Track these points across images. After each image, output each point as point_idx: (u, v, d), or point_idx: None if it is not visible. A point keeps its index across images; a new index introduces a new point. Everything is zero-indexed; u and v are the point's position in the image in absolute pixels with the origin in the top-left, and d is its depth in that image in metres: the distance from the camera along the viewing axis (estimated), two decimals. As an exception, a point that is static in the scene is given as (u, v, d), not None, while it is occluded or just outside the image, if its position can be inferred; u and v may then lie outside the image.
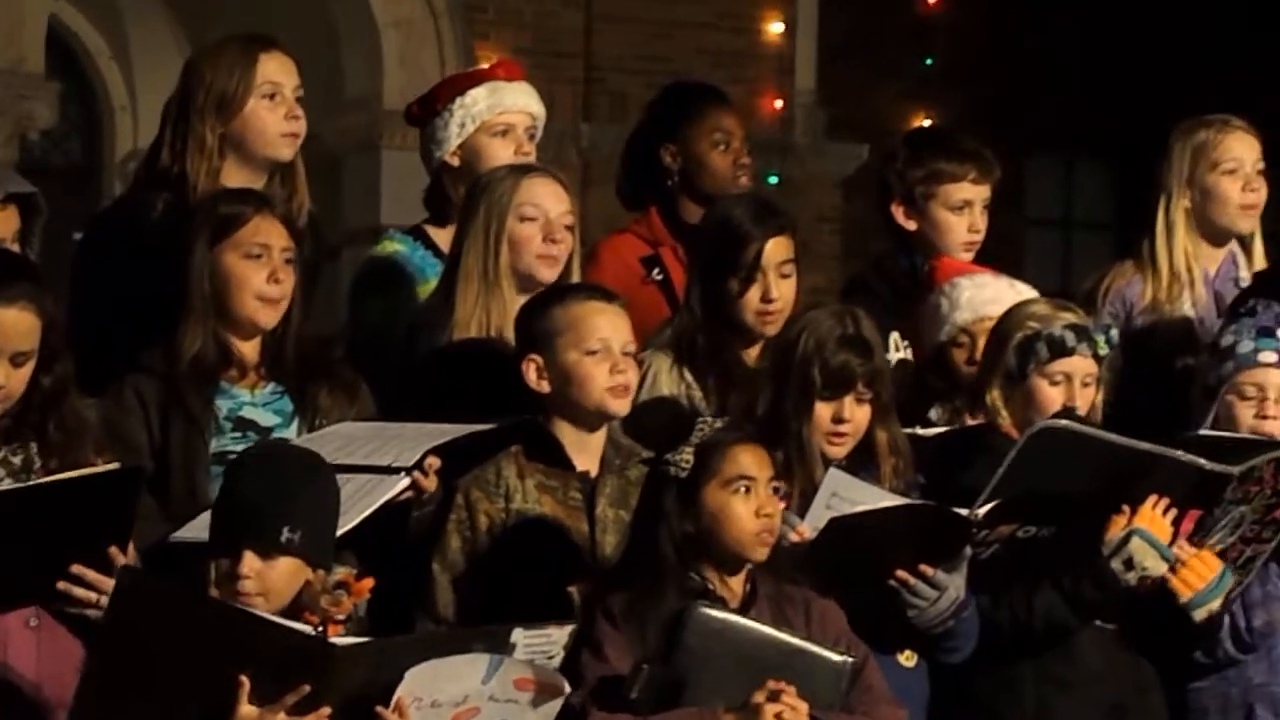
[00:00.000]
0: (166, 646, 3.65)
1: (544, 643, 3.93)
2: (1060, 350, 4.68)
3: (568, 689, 3.84)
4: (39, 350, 3.98)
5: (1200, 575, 4.55)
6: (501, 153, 5.24)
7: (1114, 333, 4.87)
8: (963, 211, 5.43)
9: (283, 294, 4.43)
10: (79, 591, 3.87)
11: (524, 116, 5.35)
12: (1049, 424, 4.49)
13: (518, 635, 3.86)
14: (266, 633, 3.66)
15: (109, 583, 3.84)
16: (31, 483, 3.92)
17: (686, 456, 4.08)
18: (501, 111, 5.31)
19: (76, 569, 3.86)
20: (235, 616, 3.70)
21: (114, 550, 3.88)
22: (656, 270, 5.65)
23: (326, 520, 3.91)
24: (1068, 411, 4.60)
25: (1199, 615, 4.57)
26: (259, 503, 3.81)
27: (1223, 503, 4.58)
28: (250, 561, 3.78)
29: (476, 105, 5.30)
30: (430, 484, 4.30)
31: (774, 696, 3.90)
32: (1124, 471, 4.50)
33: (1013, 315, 4.79)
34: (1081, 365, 4.69)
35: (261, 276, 4.41)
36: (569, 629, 3.95)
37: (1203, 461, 4.52)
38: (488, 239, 4.75)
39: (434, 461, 4.28)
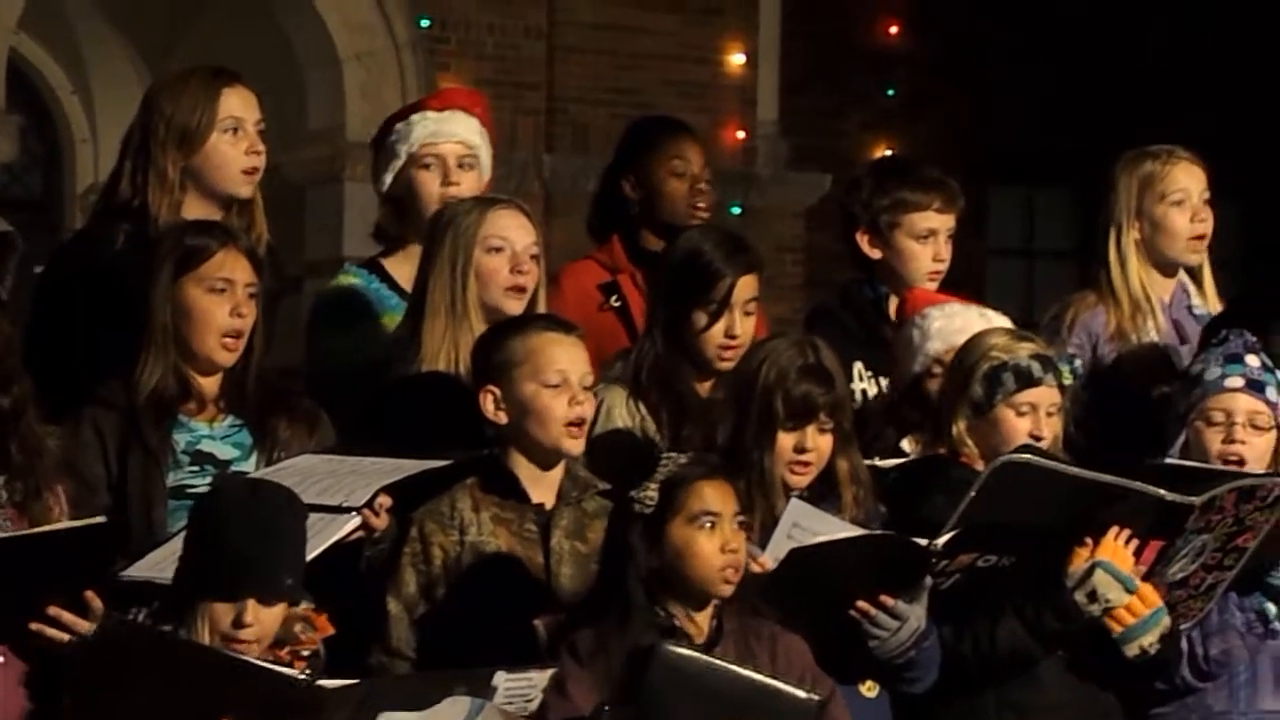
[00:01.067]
0: (149, 691, 3.65)
1: (525, 686, 3.93)
2: (1027, 381, 4.69)
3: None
4: None
5: (1135, 611, 4.55)
6: (429, 184, 5.21)
7: (1078, 363, 4.88)
8: (928, 240, 5.45)
9: (244, 329, 4.42)
10: (51, 632, 3.86)
11: (454, 146, 5.29)
12: (1012, 458, 4.50)
13: (499, 679, 3.86)
14: (254, 677, 3.67)
15: (83, 624, 3.84)
16: (8, 534, 3.90)
17: (651, 493, 4.09)
18: (426, 143, 5.27)
19: (54, 611, 3.85)
20: (222, 661, 3.70)
21: (90, 595, 3.87)
22: (615, 297, 5.66)
23: (304, 558, 3.92)
24: (1029, 445, 4.60)
25: (1130, 650, 4.57)
26: (260, 552, 3.81)
27: (1184, 532, 4.58)
28: (255, 610, 3.78)
29: (402, 141, 5.29)
30: (381, 523, 4.28)
31: None
32: (1086, 503, 4.50)
33: (975, 346, 4.79)
34: (1047, 395, 4.70)
35: (225, 311, 4.40)
36: (549, 672, 3.95)
37: (1163, 493, 4.52)
38: (454, 272, 4.74)
39: (385, 500, 4.27)
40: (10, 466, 3.94)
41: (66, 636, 3.86)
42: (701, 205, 5.81)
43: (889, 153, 12.14)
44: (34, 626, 3.84)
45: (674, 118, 6.44)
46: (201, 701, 3.63)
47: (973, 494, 4.40)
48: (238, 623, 3.78)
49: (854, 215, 5.53)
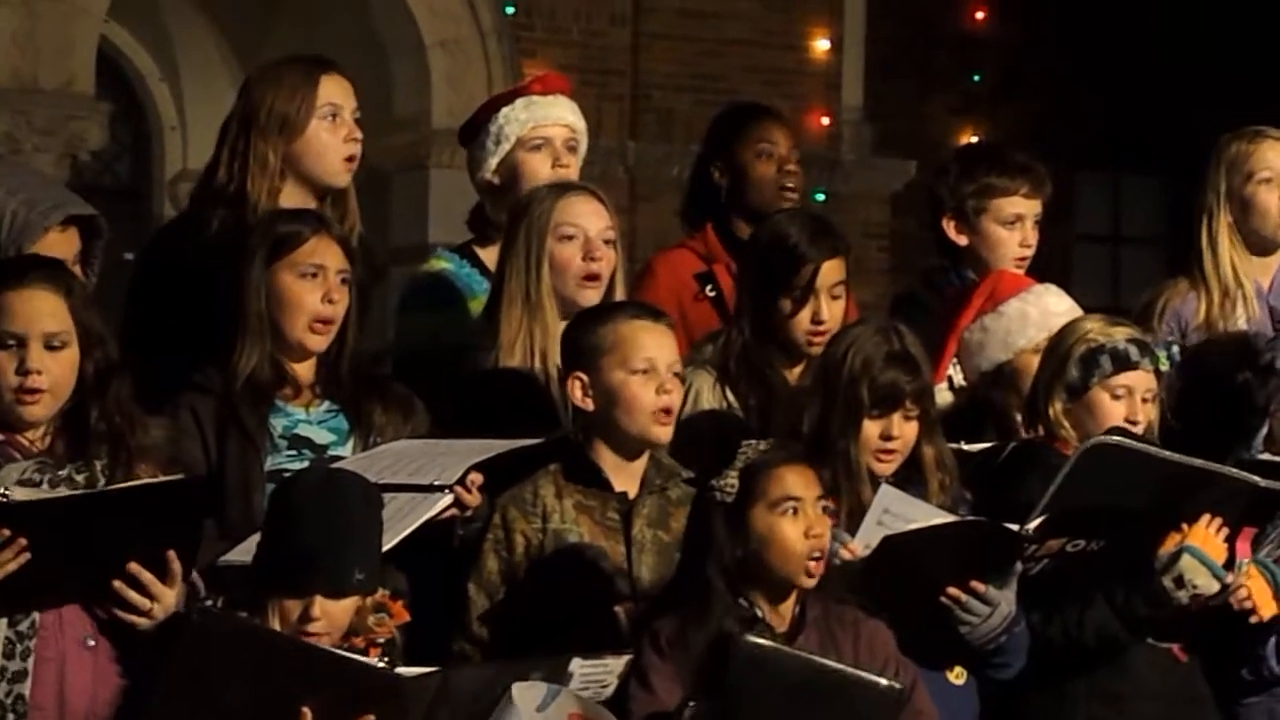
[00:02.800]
0: (233, 681, 3.67)
1: (600, 672, 3.93)
2: (1124, 364, 4.67)
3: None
4: (78, 337, 3.95)
5: (1262, 590, 4.53)
6: (540, 167, 5.23)
7: (1175, 349, 4.86)
8: (1014, 226, 5.42)
9: (336, 315, 4.43)
10: (133, 595, 3.85)
11: (561, 129, 5.33)
12: (1101, 440, 4.48)
13: (575, 665, 3.87)
14: (335, 666, 3.69)
15: (166, 592, 3.84)
16: (97, 490, 3.90)
17: (732, 480, 4.06)
18: (535, 126, 5.30)
19: (133, 568, 3.84)
20: (304, 651, 3.71)
21: (171, 555, 3.87)
22: (710, 287, 5.65)
23: (380, 547, 3.93)
24: (1120, 428, 4.58)
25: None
26: (329, 547, 3.81)
27: (1276, 518, 4.56)
28: (322, 605, 3.80)
29: (511, 122, 5.30)
30: (474, 499, 4.29)
31: None
32: (1176, 488, 4.48)
33: (1072, 330, 4.79)
34: (1143, 380, 4.69)
35: (316, 296, 4.41)
36: (625, 659, 3.95)
37: (1255, 478, 4.50)
38: (528, 261, 4.75)
39: (477, 478, 4.27)
40: (95, 436, 3.94)
41: (148, 603, 3.85)
42: (791, 186, 5.81)
43: (975, 139, 12.09)
44: (116, 585, 3.83)
45: (760, 103, 6.43)
46: (284, 690, 3.65)
47: (1063, 476, 4.39)
48: (305, 617, 3.79)
49: (941, 201, 5.51)
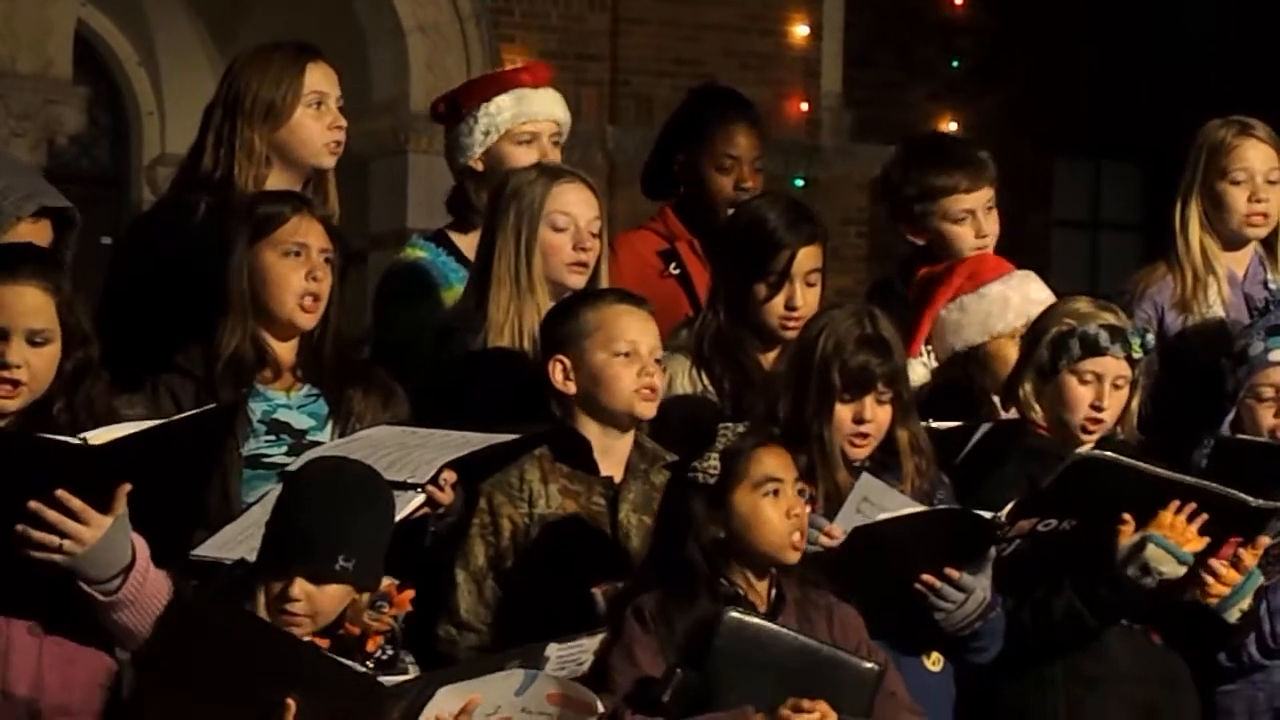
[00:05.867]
0: (219, 662, 3.68)
1: (576, 651, 3.94)
2: (1092, 349, 4.67)
3: (600, 708, 3.85)
4: (61, 335, 3.94)
5: (1226, 580, 4.53)
6: (525, 160, 5.23)
7: (1150, 336, 4.85)
8: (965, 221, 5.39)
9: (320, 292, 4.43)
10: (37, 534, 3.76)
11: (549, 124, 5.35)
12: (1090, 455, 4.49)
13: (551, 649, 3.89)
14: (320, 664, 3.70)
15: (79, 529, 3.75)
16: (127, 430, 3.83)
17: (713, 463, 4.07)
18: (526, 120, 5.31)
19: (34, 506, 3.76)
20: (289, 644, 3.72)
21: (122, 490, 3.77)
22: (674, 265, 5.65)
23: (380, 542, 3.92)
24: (1110, 440, 4.58)
25: (1232, 616, 4.55)
26: (315, 530, 3.81)
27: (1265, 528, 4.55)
28: (301, 586, 3.80)
29: (502, 113, 5.31)
30: (446, 497, 4.29)
31: (799, 709, 3.89)
32: (1163, 498, 4.48)
33: (1053, 311, 4.79)
34: (1113, 366, 4.68)
35: (300, 275, 4.42)
36: (599, 636, 3.96)
37: (1246, 498, 4.48)
38: (519, 245, 4.75)
39: (449, 476, 4.27)
40: (53, 426, 3.91)
41: (55, 539, 3.76)
42: (746, 198, 5.75)
43: (953, 126, 12.09)
44: (18, 527, 3.74)
45: (735, 93, 6.37)
46: (269, 679, 3.66)
47: (1048, 485, 4.40)
48: (284, 596, 3.80)
49: (892, 207, 5.49)
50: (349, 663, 3.76)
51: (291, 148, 4.86)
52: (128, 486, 3.80)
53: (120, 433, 3.82)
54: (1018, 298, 5.07)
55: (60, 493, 3.77)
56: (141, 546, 3.88)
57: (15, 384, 3.90)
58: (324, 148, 4.88)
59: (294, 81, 4.85)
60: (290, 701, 3.62)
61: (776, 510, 4.05)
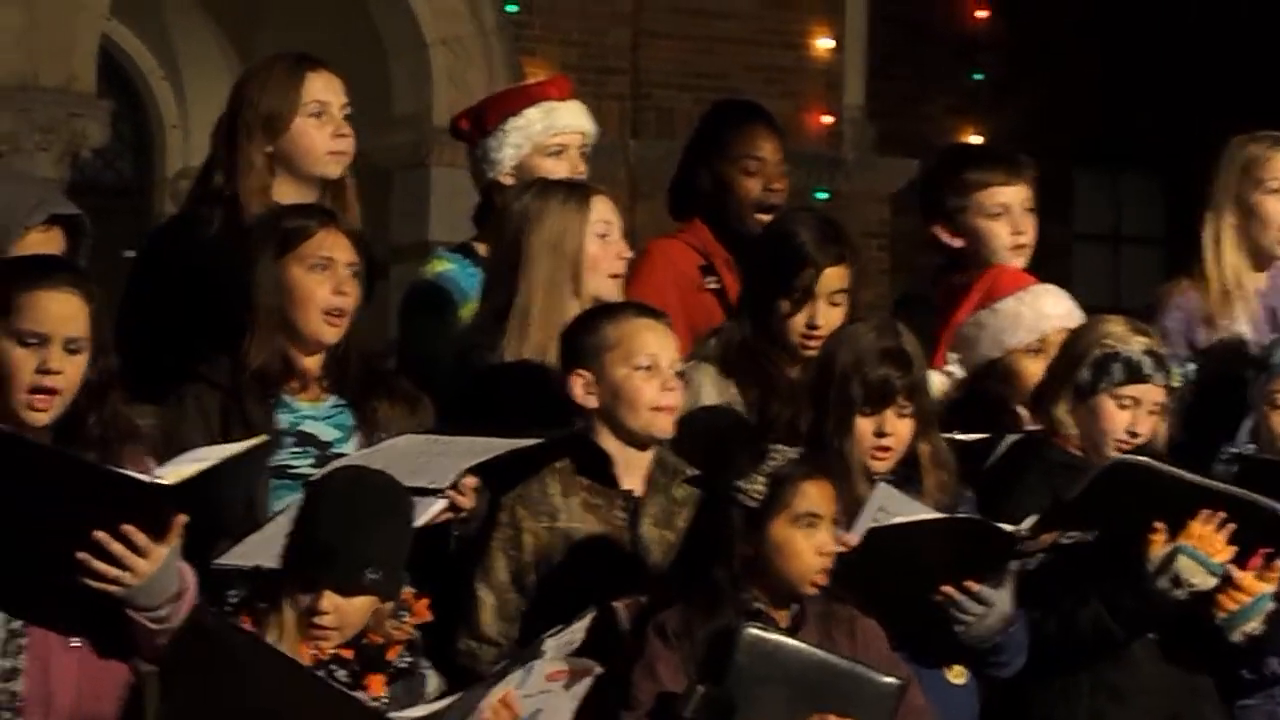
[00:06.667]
0: (229, 686, 3.70)
1: (569, 636, 3.95)
2: (1135, 375, 4.67)
3: (598, 669, 3.86)
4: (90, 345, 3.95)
5: (1238, 598, 4.52)
6: (556, 172, 5.25)
7: (1190, 367, 4.85)
8: (1001, 217, 5.38)
9: (347, 306, 4.44)
10: (98, 564, 3.79)
11: (577, 136, 5.37)
12: (1128, 459, 4.48)
13: (548, 644, 3.89)
14: (330, 698, 3.72)
15: (138, 561, 3.79)
16: (81, 457, 3.87)
17: (759, 486, 4.06)
18: (555, 132, 5.33)
19: (101, 536, 3.78)
20: (302, 677, 3.74)
21: (177, 520, 3.82)
22: (713, 278, 5.65)
23: (403, 552, 3.93)
24: (1146, 447, 4.58)
25: (1235, 636, 4.55)
26: (341, 543, 3.83)
27: None
28: (330, 599, 3.82)
29: (532, 126, 5.32)
30: (467, 502, 4.30)
31: None
32: (1193, 506, 4.47)
33: (1089, 331, 4.78)
34: (1152, 393, 4.68)
35: (327, 289, 4.42)
36: (589, 617, 3.96)
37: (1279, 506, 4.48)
38: (558, 257, 4.73)
39: (471, 481, 4.28)
40: (87, 440, 3.95)
41: (113, 570, 3.80)
42: (774, 203, 5.76)
43: (976, 137, 12.09)
44: (80, 556, 3.79)
45: (753, 103, 6.38)
46: (283, 710, 3.68)
47: (1080, 491, 4.39)
48: (313, 610, 3.81)
49: (928, 209, 5.49)
50: (359, 696, 3.79)
51: (294, 158, 4.87)
52: (184, 518, 3.83)
53: (189, 471, 3.85)
54: (1030, 314, 5.07)
55: (127, 528, 3.80)
56: (189, 574, 3.92)
57: (53, 392, 3.91)
58: (327, 157, 4.89)
59: (293, 91, 4.86)
60: None
61: (809, 544, 4.06)
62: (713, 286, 5.63)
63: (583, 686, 3.86)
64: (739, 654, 3.92)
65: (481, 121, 5.40)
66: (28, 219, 4.36)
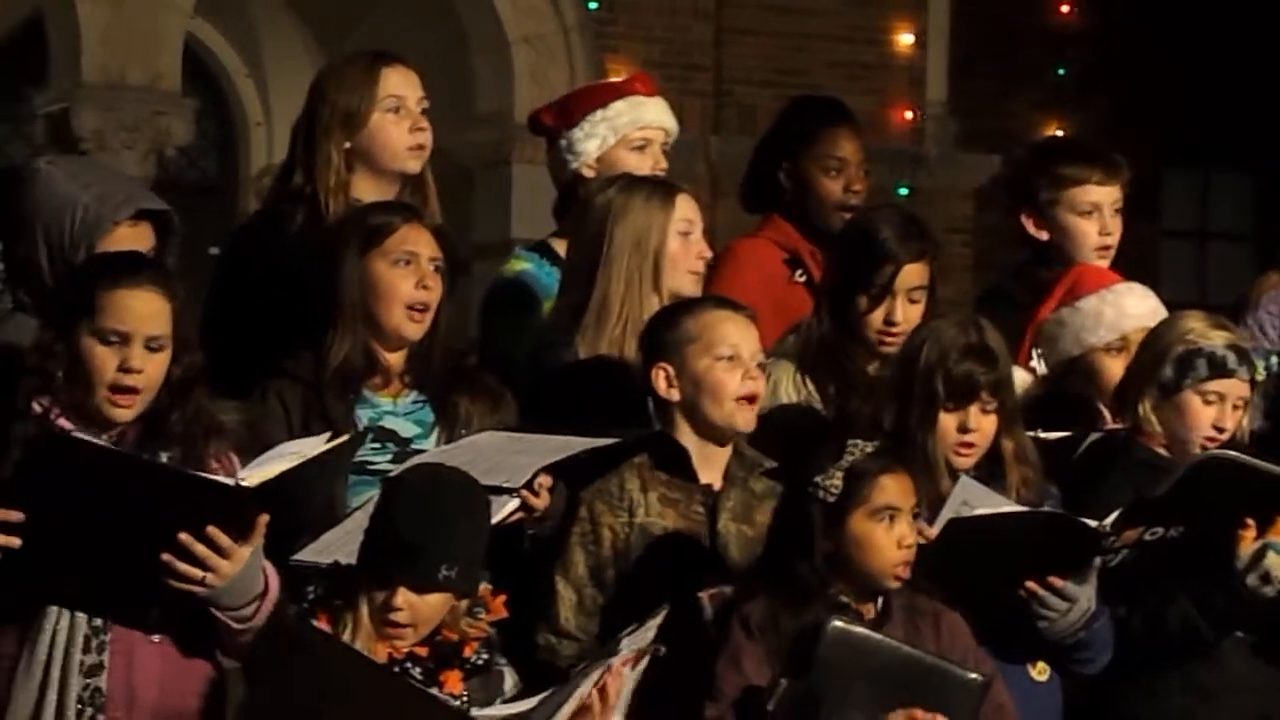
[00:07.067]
0: (313, 692, 3.72)
1: (644, 633, 3.95)
2: (1220, 370, 4.64)
3: (661, 649, 3.87)
4: (173, 343, 3.97)
5: None
6: (639, 167, 5.26)
7: (1275, 360, 4.81)
8: (1092, 215, 5.36)
9: (431, 301, 4.45)
10: (182, 565, 3.81)
11: (660, 132, 5.39)
12: (1219, 454, 4.45)
13: (624, 642, 3.90)
14: (412, 697, 3.73)
15: (221, 563, 3.82)
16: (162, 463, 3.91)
17: (836, 481, 4.06)
18: (642, 126, 5.35)
19: (185, 539, 3.81)
20: (383, 677, 3.75)
21: (260, 520, 3.84)
22: (800, 272, 5.63)
23: (479, 549, 3.93)
24: (1232, 442, 4.55)
25: None
26: (418, 540, 3.83)
27: None
28: (405, 596, 3.82)
29: (620, 118, 5.33)
30: (541, 502, 4.29)
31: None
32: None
33: (1171, 328, 4.75)
34: (1236, 388, 4.65)
35: (410, 284, 4.43)
36: (662, 614, 3.96)
37: None
38: (641, 254, 4.74)
39: (545, 480, 4.28)
40: (170, 436, 3.96)
41: (198, 573, 3.83)
42: (854, 204, 5.74)
43: (1059, 133, 12.02)
44: (165, 557, 3.82)
45: (834, 101, 6.35)
46: (363, 709, 3.69)
47: (1170, 486, 4.36)
48: (388, 606, 3.82)
49: (1017, 196, 5.47)
50: (441, 696, 3.80)
51: (373, 153, 4.88)
52: (266, 518, 3.85)
53: (271, 472, 3.87)
54: (1112, 312, 5.03)
55: (211, 530, 3.82)
56: (272, 573, 3.94)
57: (134, 391, 3.93)
58: (406, 152, 4.90)
59: (369, 87, 4.87)
60: None
61: (889, 538, 4.06)
62: (801, 279, 5.61)
63: (641, 665, 3.87)
64: (824, 648, 3.92)
65: (567, 113, 5.41)
66: (116, 213, 4.38)
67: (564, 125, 5.39)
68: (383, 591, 3.83)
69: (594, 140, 5.32)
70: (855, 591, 4.08)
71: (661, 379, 4.43)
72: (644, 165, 5.28)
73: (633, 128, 5.33)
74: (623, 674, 3.81)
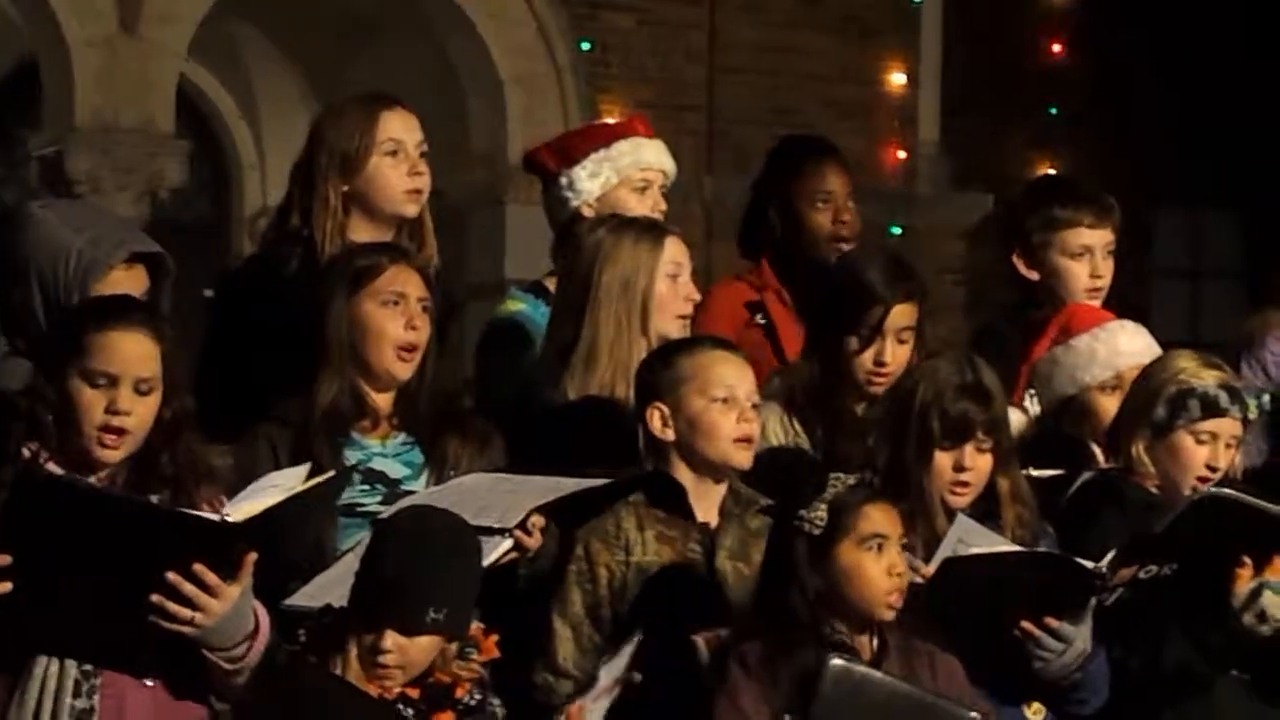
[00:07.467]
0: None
1: (620, 660, 3.94)
2: (1212, 410, 4.65)
3: (636, 677, 3.90)
4: (162, 385, 3.97)
5: None
6: (638, 208, 5.27)
7: (1265, 399, 4.81)
8: (1082, 258, 5.37)
9: (419, 341, 4.45)
10: (171, 605, 3.81)
11: (660, 174, 5.40)
12: (1217, 493, 4.45)
13: (603, 671, 3.92)
14: None
15: (210, 602, 3.81)
16: (147, 501, 3.90)
17: (821, 514, 4.07)
18: (644, 167, 5.36)
19: (173, 578, 3.80)
20: (377, 711, 3.75)
21: (248, 559, 3.83)
22: (760, 315, 5.65)
23: (469, 591, 3.93)
24: (1224, 480, 4.55)
25: None
26: (405, 582, 3.82)
27: None
28: (393, 638, 3.82)
29: (623, 159, 5.34)
30: (534, 542, 4.29)
31: None
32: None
33: (1162, 367, 4.75)
34: (1229, 427, 4.66)
35: (399, 324, 4.44)
36: (635, 641, 3.97)
37: None
38: (628, 295, 4.75)
39: (538, 520, 4.28)
40: (160, 479, 3.97)
41: (187, 613, 3.82)
42: (845, 235, 5.76)
43: (1050, 172, 12.05)
44: (154, 598, 3.81)
45: (818, 138, 6.37)
46: None
47: (1167, 525, 4.36)
48: (376, 649, 3.81)
49: (1009, 237, 5.48)
50: None
51: (370, 197, 4.88)
52: (254, 556, 3.84)
53: (258, 508, 3.86)
54: (1105, 350, 5.04)
55: (197, 567, 3.81)
56: (263, 613, 3.93)
57: (122, 433, 3.93)
58: (404, 195, 4.90)
59: (367, 131, 4.87)
60: None
61: (878, 567, 4.06)
62: (759, 323, 5.63)
63: (614, 692, 3.85)
64: (825, 685, 3.93)
65: (568, 152, 5.42)
66: (110, 257, 4.39)
67: (565, 165, 5.40)
68: (371, 634, 3.82)
69: (597, 180, 5.33)
70: (850, 626, 4.08)
71: (656, 419, 4.43)
72: (644, 207, 5.29)
73: (635, 168, 5.34)
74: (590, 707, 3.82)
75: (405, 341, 4.44)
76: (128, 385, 3.93)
